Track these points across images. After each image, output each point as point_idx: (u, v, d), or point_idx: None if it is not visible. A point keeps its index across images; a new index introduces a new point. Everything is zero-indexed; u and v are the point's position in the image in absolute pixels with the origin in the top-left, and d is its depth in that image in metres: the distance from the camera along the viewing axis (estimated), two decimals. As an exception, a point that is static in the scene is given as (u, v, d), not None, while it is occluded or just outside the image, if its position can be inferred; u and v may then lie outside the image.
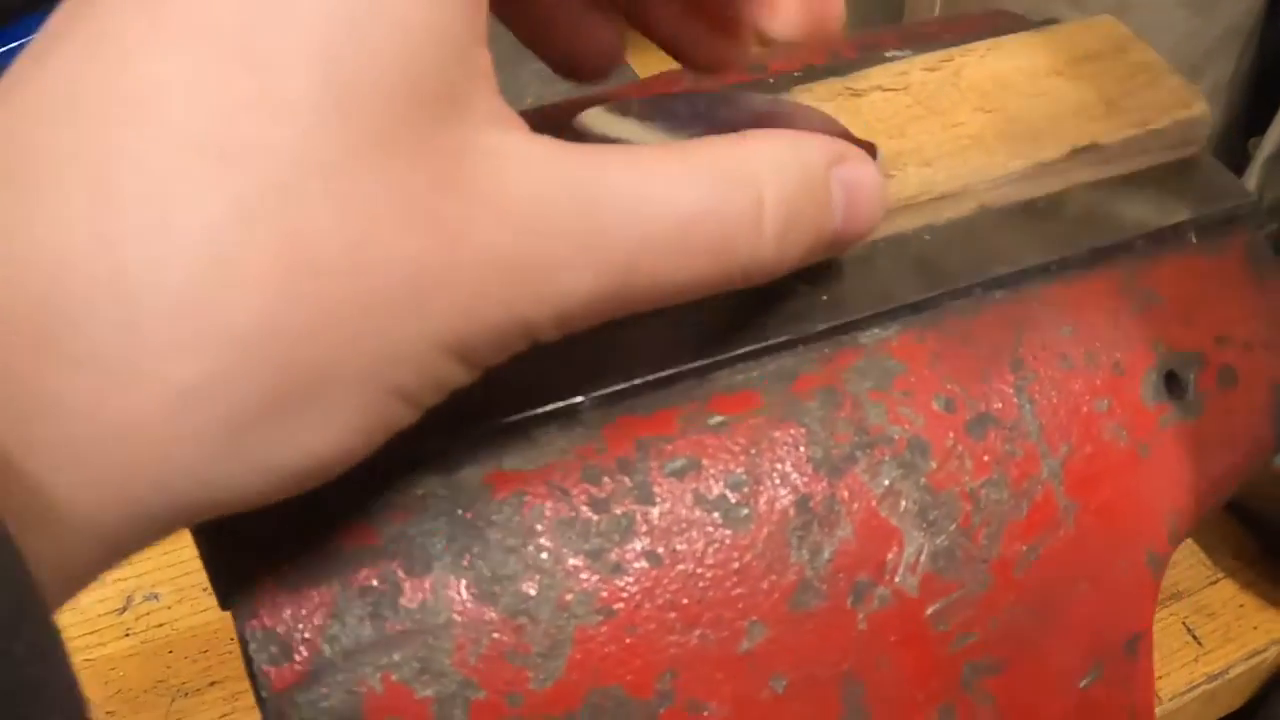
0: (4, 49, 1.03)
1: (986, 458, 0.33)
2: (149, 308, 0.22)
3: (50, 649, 0.21)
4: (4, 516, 0.20)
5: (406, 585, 0.29)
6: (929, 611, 0.32)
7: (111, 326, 0.22)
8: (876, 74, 0.39)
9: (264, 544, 0.29)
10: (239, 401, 0.23)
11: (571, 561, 0.29)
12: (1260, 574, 0.71)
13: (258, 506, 0.25)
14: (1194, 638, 0.67)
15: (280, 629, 0.28)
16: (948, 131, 0.37)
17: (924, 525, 0.32)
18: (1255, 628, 0.69)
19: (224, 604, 0.32)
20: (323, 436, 0.25)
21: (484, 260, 0.25)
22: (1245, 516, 0.71)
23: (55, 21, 0.25)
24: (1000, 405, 0.33)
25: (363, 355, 0.24)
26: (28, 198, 0.22)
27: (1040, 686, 0.34)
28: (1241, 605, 0.70)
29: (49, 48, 0.24)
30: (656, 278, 0.27)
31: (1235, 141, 0.82)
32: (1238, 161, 0.75)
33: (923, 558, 0.32)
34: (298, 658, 0.28)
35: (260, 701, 0.28)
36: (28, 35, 0.98)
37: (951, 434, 0.33)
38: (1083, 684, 0.35)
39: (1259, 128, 0.78)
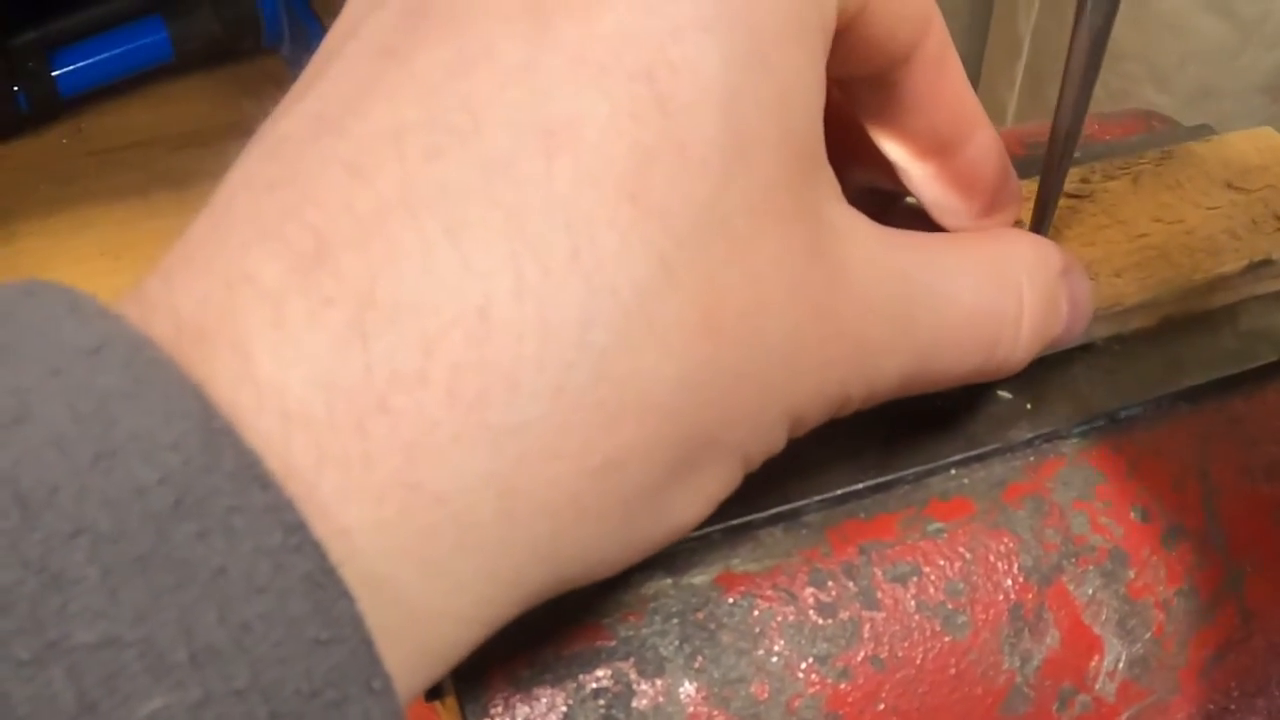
0: (61, 71, 1.04)
1: (1178, 568, 0.34)
2: (577, 371, 0.21)
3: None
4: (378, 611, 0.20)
5: (639, 687, 0.29)
6: (1123, 717, 0.33)
7: (539, 392, 0.21)
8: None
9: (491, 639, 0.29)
10: (649, 474, 0.22)
11: (801, 666, 0.30)
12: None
13: (597, 581, 0.25)
14: None
15: (514, 728, 0.28)
16: (1133, 242, 0.38)
17: (1123, 634, 0.33)
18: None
19: (429, 695, 0.32)
20: (695, 507, 0.25)
21: (838, 336, 0.25)
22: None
23: (376, 33, 0.23)
24: (1190, 517, 0.34)
25: (742, 424, 0.24)
26: (431, 237, 0.21)
27: (1217, 792, 0.35)
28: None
29: (391, 64, 0.22)
30: (944, 366, 0.28)
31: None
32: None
33: (1120, 665, 0.33)
34: (531, 757, 0.28)
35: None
36: (87, 58, 0.99)
37: (1148, 544, 0.33)
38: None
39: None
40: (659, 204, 0.21)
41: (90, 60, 0.94)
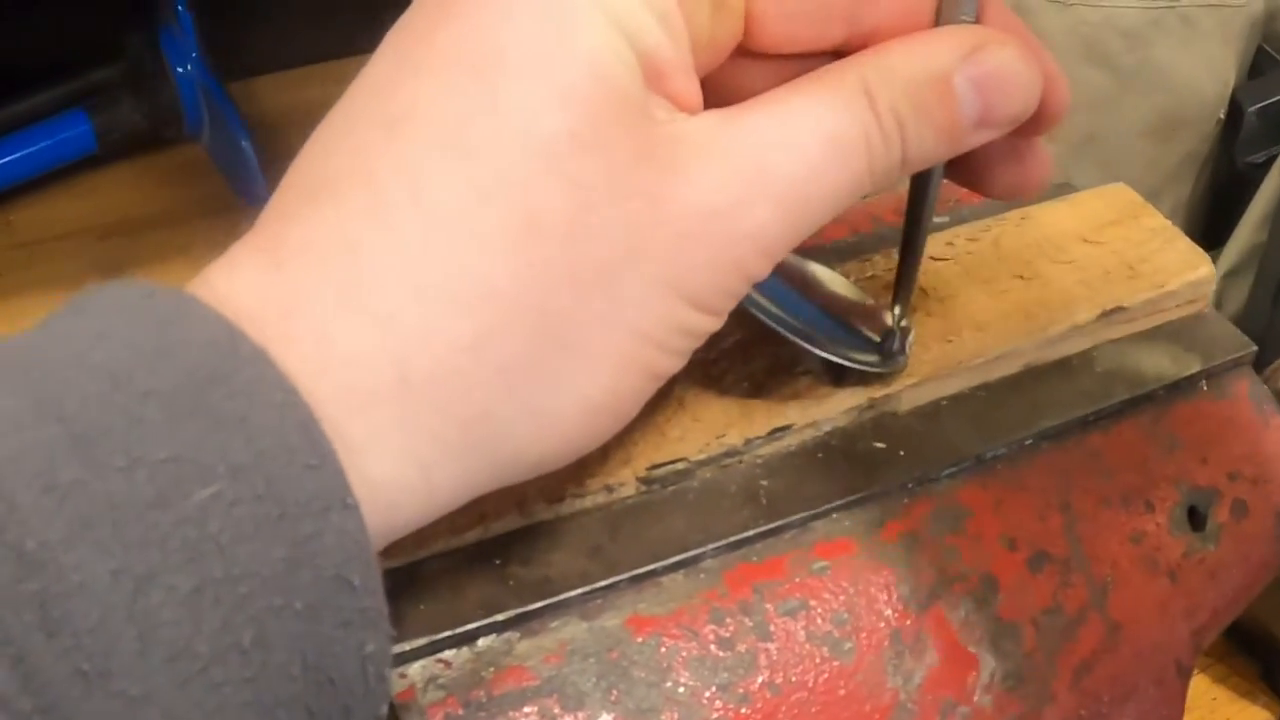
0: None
1: (1045, 589, 0.37)
2: (428, 274, 0.27)
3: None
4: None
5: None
6: (1002, 727, 0.36)
7: (406, 292, 0.27)
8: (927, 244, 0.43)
9: (432, 682, 0.33)
10: (516, 346, 0.28)
11: (705, 694, 0.33)
12: (1231, 668, 0.76)
13: (550, 464, 0.31)
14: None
15: (453, 763, 0.32)
16: (995, 299, 0.42)
17: (996, 651, 0.36)
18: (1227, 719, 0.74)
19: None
20: (589, 379, 0.29)
21: (681, 214, 0.30)
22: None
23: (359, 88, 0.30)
24: (1053, 543, 0.38)
25: (601, 303, 0.29)
26: (317, 196, 0.29)
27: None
28: (1214, 698, 0.75)
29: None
30: (817, 196, 0.31)
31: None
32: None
33: (996, 679, 0.36)
34: (469, 789, 0.32)
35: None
36: (12, 153, 1.01)
37: (1015, 570, 0.37)
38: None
39: (1216, 244, 0.85)
40: (477, 148, 0.28)
41: (16, 155, 0.96)
